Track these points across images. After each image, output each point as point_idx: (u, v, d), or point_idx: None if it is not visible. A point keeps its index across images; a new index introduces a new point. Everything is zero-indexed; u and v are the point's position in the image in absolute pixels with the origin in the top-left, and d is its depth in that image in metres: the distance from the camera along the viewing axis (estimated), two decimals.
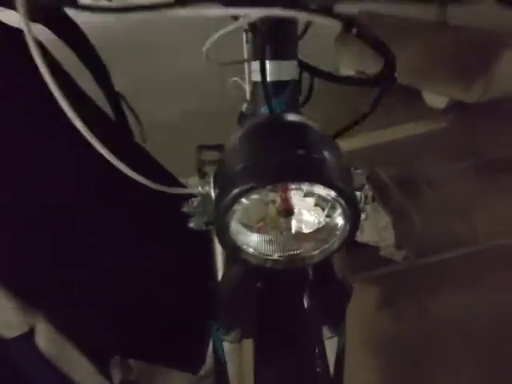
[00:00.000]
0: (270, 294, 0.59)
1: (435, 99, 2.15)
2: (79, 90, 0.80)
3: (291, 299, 0.61)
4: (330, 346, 0.65)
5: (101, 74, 0.82)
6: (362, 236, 1.56)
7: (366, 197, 0.51)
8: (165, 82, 2.82)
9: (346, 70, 2.54)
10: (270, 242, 0.51)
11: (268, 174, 0.43)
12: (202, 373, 0.99)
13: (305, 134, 0.48)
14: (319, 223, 0.50)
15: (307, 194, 0.48)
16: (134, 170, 0.52)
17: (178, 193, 0.51)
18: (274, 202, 0.49)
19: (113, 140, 0.47)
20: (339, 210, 0.46)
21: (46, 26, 0.67)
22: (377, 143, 1.95)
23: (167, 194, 0.52)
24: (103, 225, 0.80)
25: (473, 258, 1.45)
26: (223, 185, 0.46)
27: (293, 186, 0.46)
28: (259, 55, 0.51)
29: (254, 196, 0.45)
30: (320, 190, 0.44)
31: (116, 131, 0.88)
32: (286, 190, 0.48)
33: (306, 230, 0.52)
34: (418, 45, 2.16)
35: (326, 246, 0.50)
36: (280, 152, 0.44)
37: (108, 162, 0.45)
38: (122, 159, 0.49)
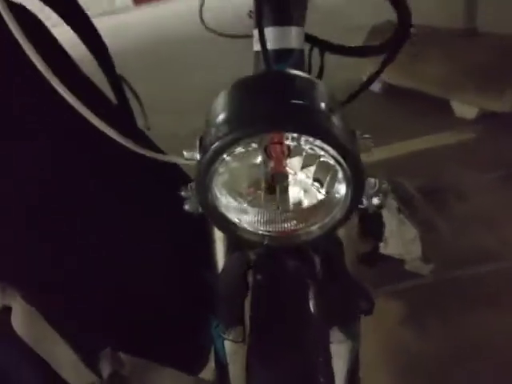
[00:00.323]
0: (272, 288, 0.55)
1: (464, 109, 2.09)
2: (78, 72, 0.78)
3: (295, 295, 0.55)
4: (341, 353, 0.60)
5: (102, 55, 0.80)
6: (387, 248, 1.51)
7: (383, 191, 0.47)
8: (180, 101, 2.84)
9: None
10: (264, 215, 0.47)
11: (253, 123, 0.38)
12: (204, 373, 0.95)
13: (303, 86, 0.43)
14: (319, 195, 0.46)
15: (305, 160, 0.43)
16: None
17: (161, 159, 0.50)
18: (266, 168, 0.44)
19: (114, 124, 0.46)
20: (340, 175, 0.42)
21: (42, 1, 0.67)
22: (403, 154, 1.90)
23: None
24: (99, 217, 0.78)
25: (504, 272, 1.38)
26: (205, 144, 0.41)
27: (285, 141, 0.41)
28: (256, 16, 0.48)
29: (239, 150, 0.40)
30: (317, 146, 0.39)
31: (117, 116, 0.85)
32: (277, 148, 0.42)
33: (304, 203, 0.48)
34: (445, 54, 2.12)
35: (327, 219, 0.45)
36: (269, 100, 0.39)
37: (108, 159, 0.44)
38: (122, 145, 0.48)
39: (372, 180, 0.52)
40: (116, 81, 0.82)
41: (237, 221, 0.46)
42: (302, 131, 0.39)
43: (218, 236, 0.62)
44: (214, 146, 0.39)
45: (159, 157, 0.51)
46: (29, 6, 0.72)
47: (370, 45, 0.56)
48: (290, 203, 0.47)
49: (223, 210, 0.45)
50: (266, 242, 0.48)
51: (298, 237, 0.47)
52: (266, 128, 0.39)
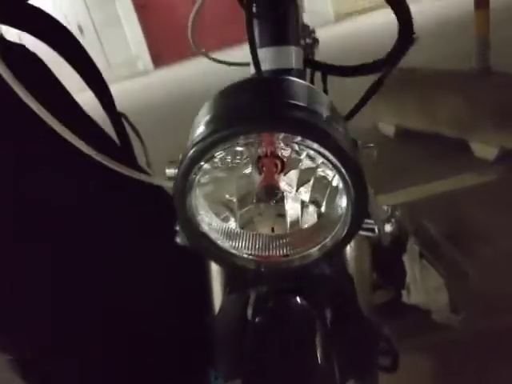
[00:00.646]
0: (273, 332, 0.48)
1: (484, 150, 2.02)
2: (78, 109, 0.77)
3: (300, 341, 0.48)
4: None
5: (102, 93, 0.78)
6: (410, 297, 1.40)
7: (396, 218, 0.41)
8: None
9: (385, 126, 2.47)
10: (258, 238, 0.42)
11: (234, 122, 0.34)
12: None
13: (301, 89, 0.38)
14: (316, 214, 0.41)
15: (301, 175, 0.38)
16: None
17: (144, 180, 0.46)
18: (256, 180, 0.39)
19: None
20: (340, 185, 0.37)
21: (38, 38, 0.65)
22: (424, 197, 1.82)
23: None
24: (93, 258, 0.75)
25: None
26: (183, 155, 0.37)
27: (278, 150, 0.37)
28: (248, 35, 0.44)
29: (221, 156, 0.36)
30: (314, 150, 0.35)
31: (120, 155, 0.83)
32: (268, 161, 0.38)
33: (302, 223, 0.43)
34: (460, 94, 2.08)
35: (328, 239, 0.40)
36: (256, 100, 0.35)
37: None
38: (125, 183, 0.45)
39: (384, 207, 0.47)
40: (117, 119, 0.80)
41: (227, 247, 0.41)
42: (296, 131, 0.34)
43: (215, 276, 0.56)
44: (191, 151, 0.35)
45: (142, 177, 0.46)
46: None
47: (373, 61, 0.51)
48: (287, 224, 0.43)
49: (211, 234, 0.40)
50: (263, 269, 0.42)
51: (296, 261, 0.42)
52: (251, 127, 0.34)
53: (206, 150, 0.35)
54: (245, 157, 0.39)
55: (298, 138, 0.35)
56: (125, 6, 7.45)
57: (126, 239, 0.78)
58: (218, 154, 0.36)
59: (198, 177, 0.37)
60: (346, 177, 0.35)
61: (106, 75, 0.80)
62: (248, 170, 0.40)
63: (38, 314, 0.73)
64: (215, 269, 0.58)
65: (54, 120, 0.40)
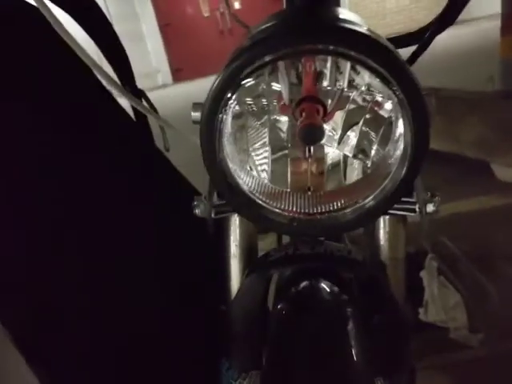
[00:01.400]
0: (299, 320, 0.42)
1: (506, 172, 1.98)
2: (97, 82, 0.73)
3: (331, 330, 0.42)
4: None
5: (122, 67, 0.75)
6: (428, 315, 1.35)
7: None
8: None
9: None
10: (289, 193, 0.38)
11: (276, 37, 0.30)
12: None
13: (347, 13, 0.34)
14: (363, 167, 0.38)
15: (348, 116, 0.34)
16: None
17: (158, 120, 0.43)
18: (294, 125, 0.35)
19: (130, 141, 0.41)
20: (397, 110, 0.33)
21: (62, 8, 0.64)
22: (446, 216, 1.78)
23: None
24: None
25: None
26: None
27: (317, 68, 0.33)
28: None
29: (252, 82, 0.32)
30: (365, 66, 0.31)
31: (135, 132, 0.79)
32: (306, 103, 0.34)
33: (345, 180, 0.39)
34: (483, 117, 2.06)
35: (376, 192, 0.35)
36: (300, 17, 0.33)
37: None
38: (137, 164, 0.42)
39: (423, 191, 0.44)
40: (136, 94, 0.77)
41: (259, 200, 0.38)
42: (344, 43, 0.31)
43: (233, 252, 0.52)
44: (221, 75, 0.31)
45: (154, 115, 0.43)
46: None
47: (409, 32, 0.48)
48: (325, 181, 0.40)
49: (241, 186, 0.35)
50: (295, 224, 0.38)
51: (338, 218, 0.38)
52: (293, 41, 0.31)
53: (238, 69, 0.31)
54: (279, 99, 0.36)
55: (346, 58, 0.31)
56: (149, 23, 7.60)
57: (140, 218, 0.75)
58: (248, 81, 0.32)
59: (226, 116, 0.34)
60: (406, 101, 0.31)
61: None
62: (284, 118, 0.37)
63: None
64: (233, 246, 0.53)
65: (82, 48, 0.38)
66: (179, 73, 7.79)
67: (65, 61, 0.55)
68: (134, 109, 0.79)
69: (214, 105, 0.32)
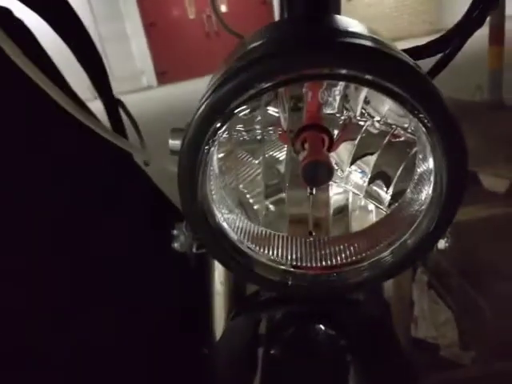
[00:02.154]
0: (292, 368, 0.37)
1: (494, 182, 1.97)
2: (67, 86, 0.67)
3: (327, 379, 0.37)
4: None
5: (98, 75, 0.69)
6: (417, 331, 1.32)
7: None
8: None
9: None
10: (289, 240, 0.32)
11: (274, 54, 0.25)
12: None
13: (353, 23, 0.29)
14: (376, 209, 0.32)
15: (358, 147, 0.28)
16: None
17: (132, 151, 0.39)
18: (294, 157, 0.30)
19: (105, 154, 0.35)
20: (426, 144, 0.27)
21: (33, 10, 0.58)
22: None
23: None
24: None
25: None
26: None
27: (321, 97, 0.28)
28: None
29: (245, 111, 0.28)
30: (386, 92, 0.25)
31: (110, 145, 0.74)
32: (310, 132, 0.28)
33: (353, 225, 0.33)
34: (471, 126, 2.04)
35: (396, 244, 0.30)
36: (303, 32, 0.27)
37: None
38: (116, 180, 0.37)
39: None
40: (113, 106, 0.71)
41: (248, 249, 0.31)
42: (361, 66, 0.25)
43: (218, 290, 0.47)
44: (204, 103, 0.26)
45: (125, 146, 0.38)
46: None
47: (431, 41, 0.42)
48: (330, 225, 0.33)
49: (225, 230, 0.30)
50: (290, 282, 0.32)
51: (344, 277, 0.32)
52: (299, 64, 0.25)
53: (231, 95, 0.25)
54: (277, 127, 0.31)
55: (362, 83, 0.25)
56: (133, 22, 7.50)
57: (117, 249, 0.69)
58: (242, 109, 0.27)
59: (213, 148, 0.28)
60: (438, 131, 0.26)
61: None
62: (281, 150, 0.32)
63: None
64: (218, 284, 0.47)
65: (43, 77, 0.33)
66: (164, 75, 7.69)
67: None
68: (110, 118, 0.73)
69: (199, 135, 0.27)
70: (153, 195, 0.77)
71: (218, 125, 0.26)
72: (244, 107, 0.27)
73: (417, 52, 0.42)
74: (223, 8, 7.11)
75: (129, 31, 7.55)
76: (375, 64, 0.25)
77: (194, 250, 0.39)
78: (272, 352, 0.39)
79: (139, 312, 0.65)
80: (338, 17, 0.32)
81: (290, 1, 0.36)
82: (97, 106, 0.71)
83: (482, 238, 1.68)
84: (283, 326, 0.41)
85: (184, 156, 0.27)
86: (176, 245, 0.38)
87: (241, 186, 0.33)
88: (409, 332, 0.44)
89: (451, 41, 0.40)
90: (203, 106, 0.26)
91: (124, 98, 0.78)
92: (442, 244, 0.37)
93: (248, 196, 0.34)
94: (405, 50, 0.45)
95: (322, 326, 0.40)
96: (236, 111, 0.26)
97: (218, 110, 0.26)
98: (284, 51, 0.25)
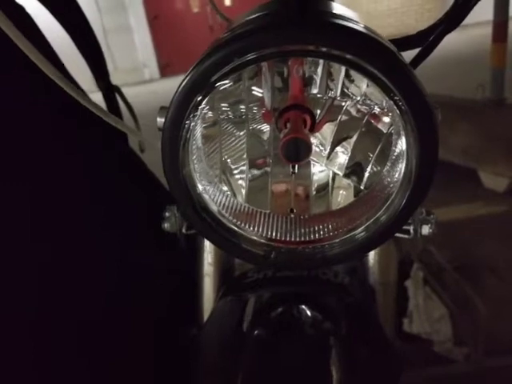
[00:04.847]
0: (277, 349, 0.38)
1: (494, 181, 1.96)
2: (68, 76, 0.66)
3: (311, 360, 0.38)
4: None
5: (96, 62, 0.70)
6: (412, 326, 1.32)
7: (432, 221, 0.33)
8: None
9: None
10: (272, 215, 0.33)
11: (253, 35, 0.25)
12: None
13: (340, 8, 0.30)
14: (355, 188, 0.33)
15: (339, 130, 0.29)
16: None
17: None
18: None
19: (103, 141, 0.36)
20: (399, 125, 0.28)
21: None
22: None
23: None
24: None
25: None
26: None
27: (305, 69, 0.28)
28: None
29: (227, 85, 0.28)
30: (363, 73, 0.26)
31: (107, 131, 0.75)
32: (292, 112, 0.29)
33: (333, 203, 0.33)
34: (473, 124, 2.04)
35: (370, 221, 0.30)
36: (285, 11, 0.27)
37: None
38: (110, 166, 0.37)
39: (418, 209, 0.39)
40: (110, 92, 0.71)
41: (229, 224, 0.31)
42: (339, 44, 0.26)
43: (206, 271, 0.47)
44: (191, 73, 0.26)
45: (113, 121, 0.38)
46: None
47: (410, 35, 0.43)
48: (312, 203, 0.33)
49: (210, 207, 0.30)
50: (273, 256, 0.33)
51: (324, 249, 0.32)
52: (278, 39, 0.26)
53: (211, 69, 0.26)
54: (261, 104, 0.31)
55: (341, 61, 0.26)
56: (137, 15, 7.48)
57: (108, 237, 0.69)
58: (223, 83, 0.27)
59: (195, 124, 0.29)
60: (411, 113, 0.26)
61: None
62: (266, 128, 0.32)
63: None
64: (206, 265, 0.48)
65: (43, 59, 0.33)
66: (167, 68, 7.69)
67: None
68: (107, 104, 0.73)
69: (180, 109, 0.27)
70: (148, 181, 0.77)
71: (199, 98, 0.27)
72: (225, 82, 0.27)
73: (396, 44, 0.43)
74: (227, 1, 7.09)
75: (132, 24, 7.54)
76: (356, 44, 0.26)
77: (184, 230, 0.39)
78: (257, 332, 0.40)
79: (128, 293, 0.65)
80: (329, 2, 0.32)
81: None
82: (95, 98, 0.72)
83: (481, 236, 1.68)
84: (269, 308, 0.41)
85: (166, 131, 0.28)
86: (166, 225, 0.39)
87: (228, 162, 0.34)
88: (393, 317, 0.44)
89: (428, 37, 0.40)
90: (185, 81, 0.27)
91: (127, 90, 0.78)
92: (426, 230, 0.38)
93: (234, 172, 0.34)
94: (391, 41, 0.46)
95: (307, 309, 0.41)
96: (217, 85, 0.27)
97: (199, 84, 0.27)
98: (266, 27, 0.26)
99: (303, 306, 0.41)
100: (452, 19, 0.38)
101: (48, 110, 0.61)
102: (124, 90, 0.76)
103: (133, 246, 0.67)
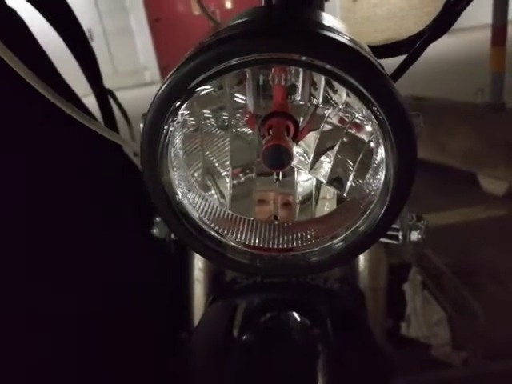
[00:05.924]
0: (265, 354, 0.38)
1: (493, 185, 1.96)
2: (64, 85, 0.68)
3: (299, 366, 0.38)
4: None
5: (89, 65, 0.70)
6: (410, 330, 1.31)
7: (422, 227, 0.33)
8: None
9: None
10: (256, 223, 0.33)
11: (233, 40, 0.25)
12: None
13: (322, 15, 0.31)
14: (337, 196, 0.33)
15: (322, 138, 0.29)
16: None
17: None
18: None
19: (97, 148, 0.35)
20: (379, 144, 0.29)
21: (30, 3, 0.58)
22: (430, 227, 1.75)
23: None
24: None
25: None
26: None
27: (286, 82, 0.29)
28: None
29: (208, 90, 0.28)
30: (341, 81, 0.26)
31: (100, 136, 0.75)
32: (276, 118, 0.29)
33: (316, 210, 0.34)
34: (472, 128, 2.04)
35: (348, 232, 0.30)
36: (267, 18, 0.28)
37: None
38: (107, 173, 0.37)
39: (408, 214, 0.39)
40: (103, 95, 0.71)
41: (212, 232, 0.31)
42: (316, 54, 0.26)
43: (197, 276, 0.47)
44: (170, 78, 0.26)
45: (106, 133, 0.39)
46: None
47: (398, 41, 0.43)
48: (296, 210, 0.33)
49: (193, 214, 0.30)
50: (258, 264, 0.33)
51: (305, 257, 0.32)
52: (256, 46, 0.26)
53: (190, 74, 0.26)
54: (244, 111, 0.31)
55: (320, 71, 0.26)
56: (138, 18, 7.50)
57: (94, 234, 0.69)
58: (206, 88, 0.28)
59: (173, 130, 0.28)
60: (388, 123, 0.26)
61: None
62: (250, 133, 0.32)
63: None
64: (197, 270, 0.48)
65: (29, 72, 0.33)
66: (167, 70, 7.69)
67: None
68: (100, 108, 0.74)
69: (158, 115, 0.27)
70: (141, 186, 0.77)
71: (178, 104, 0.27)
72: (206, 87, 0.27)
73: (382, 50, 0.43)
74: (228, 4, 7.10)
75: (133, 26, 7.55)
76: (334, 55, 0.26)
77: (173, 236, 0.39)
78: (245, 338, 0.40)
79: (120, 298, 0.65)
80: (318, 12, 0.32)
81: None
82: (89, 102, 0.72)
83: (479, 240, 1.67)
84: (258, 313, 0.41)
85: (145, 136, 0.28)
86: (155, 231, 0.39)
87: (214, 161, 0.34)
88: (383, 322, 0.44)
89: (414, 44, 0.40)
90: (164, 86, 0.27)
91: (127, 93, 0.79)
92: (414, 236, 0.38)
93: (220, 174, 0.34)
94: (373, 48, 0.46)
95: (296, 315, 0.41)
96: (197, 90, 0.27)
97: (177, 89, 0.27)
98: (248, 33, 0.26)
99: (292, 312, 0.41)
100: (439, 26, 0.38)
101: (47, 110, 0.61)
102: (125, 93, 0.77)
103: (132, 246, 0.67)
